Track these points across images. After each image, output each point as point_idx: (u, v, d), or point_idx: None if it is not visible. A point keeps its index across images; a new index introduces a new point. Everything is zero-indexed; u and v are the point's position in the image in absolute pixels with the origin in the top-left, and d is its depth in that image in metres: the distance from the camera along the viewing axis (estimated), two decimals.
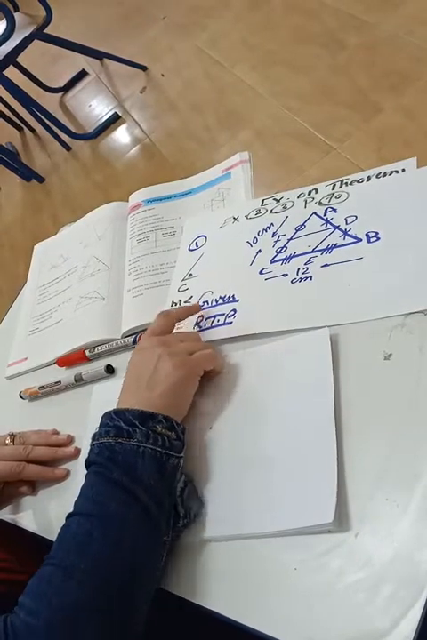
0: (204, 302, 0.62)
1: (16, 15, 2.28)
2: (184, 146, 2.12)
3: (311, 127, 1.77)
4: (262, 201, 0.74)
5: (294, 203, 0.66)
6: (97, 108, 2.71)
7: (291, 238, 0.61)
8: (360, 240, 0.58)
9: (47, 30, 2.32)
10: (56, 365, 0.75)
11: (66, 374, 0.72)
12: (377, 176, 0.67)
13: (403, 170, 0.65)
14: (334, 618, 0.41)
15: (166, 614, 0.51)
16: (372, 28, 1.91)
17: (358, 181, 0.67)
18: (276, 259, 0.60)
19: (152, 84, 2.54)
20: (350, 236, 0.58)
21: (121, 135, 2.46)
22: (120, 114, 2.53)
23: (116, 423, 0.51)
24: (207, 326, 0.61)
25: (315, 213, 0.63)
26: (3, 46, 2.19)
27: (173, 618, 0.54)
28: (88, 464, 0.51)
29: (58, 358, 0.74)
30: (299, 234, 0.61)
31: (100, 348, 0.72)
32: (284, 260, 0.60)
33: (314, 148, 1.70)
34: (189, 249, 0.75)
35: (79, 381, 0.70)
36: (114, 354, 0.71)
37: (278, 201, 0.72)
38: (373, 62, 1.81)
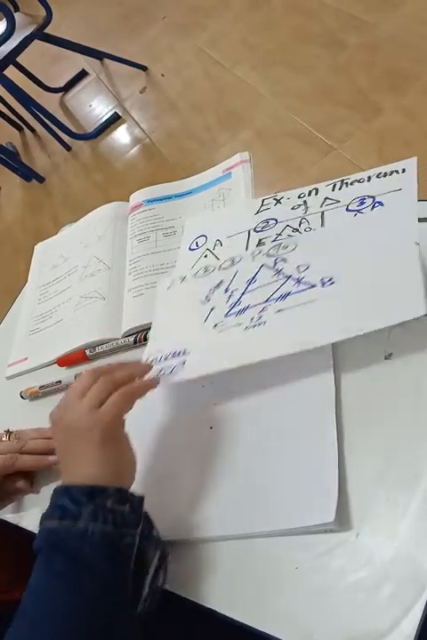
0: (152, 359, 0.59)
1: (16, 15, 2.28)
2: (184, 146, 2.12)
3: (311, 127, 1.77)
4: (263, 201, 0.74)
5: (241, 257, 0.64)
6: (97, 107, 2.71)
7: (244, 292, 0.59)
8: (314, 286, 0.56)
9: (47, 30, 2.32)
10: (56, 365, 0.75)
11: (66, 374, 0.72)
12: (378, 176, 0.67)
13: (403, 170, 0.65)
14: (334, 617, 0.41)
15: (168, 614, 0.51)
16: (372, 28, 1.91)
17: (359, 181, 0.68)
18: (230, 313, 0.58)
19: (152, 83, 2.54)
20: (303, 283, 0.56)
21: (121, 135, 2.46)
22: (120, 114, 2.53)
23: (62, 503, 0.46)
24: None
25: (264, 265, 0.61)
26: (3, 46, 2.19)
27: (174, 617, 0.54)
28: (36, 549, 0.46)
29: (58, 358, 0.75)
30: (251, 287, 0.59)
31: (100, 347, 0.72)
32: (238, 312, 0.58)
33: (314, 148, 1.70)
34: (190, 249, 0.75)
35: None
36: (114, 354, 0.71)
37: (279, 201, 0.72)
38: (373, 62, 1.81)
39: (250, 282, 0.59)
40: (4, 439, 0.65)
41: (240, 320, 0.57)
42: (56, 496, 0.47)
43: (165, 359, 0.58)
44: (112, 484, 0.46)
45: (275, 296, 0.56)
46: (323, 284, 0.55)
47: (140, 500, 0.47)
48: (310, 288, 0.55)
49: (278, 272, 0.58)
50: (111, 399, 0.50)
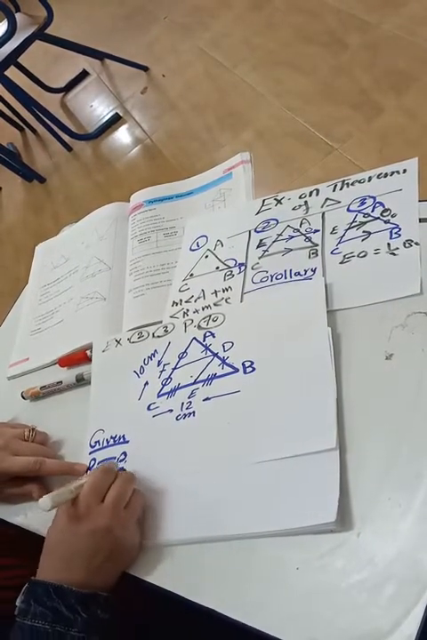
0: (95, 442, 0.61)
1: (17, 16, 2.27)
2: (185, 146, 2.12)
3: (313, 127, 1.77)
4: (263, 201, 0.74)
5: (174, 326, 0.66)
6: (98, 108, 2.71)
7: (175, 367, 0.62)
8: (237, 370, 0.58)
9: (49, 30, 2.32)
10: (58, 365, 0.75)
11: (67, 374, 0.72)
12: (378, 176, 0.67)
13: (404, 170, 0.65)
14: (336, 617, 0.41)
15: (169, 614, 0.51)
16: (373, 27, 1.91)
17: (360, 182, 0.68)
18: (162, 392, 0.61)
19: (153, 84, 2.54)
20: (227, 365, 0.59)
21: (122, 135, 2.46)
22: (121, 114, 2.53)
23: (55, 605, 0.45)
24: None
25: (195, 339, 0.63)
26: (4, 47, 2.19)
27: (175, 618, 0.54)
28: None
29: (59, 358, 0.75)
30: (182, 362, 0.62)
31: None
32: (169, 393, 0.60)
33: (315, 149, 1.70)
34: (191, 249, 0.75)
35: (81, 381, 0.70)
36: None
37: (279, 201, 0.72)
38: (374, 62, 1.81)
39: (181, 356, 0.63)
40: (27, 437, 0.63)
41: (171, 404, 0.59)
42: (46, 595, 0.46)
43: (107, 444, 0.61)
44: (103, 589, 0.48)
45: (202, 377, 0.59)
46: (245, 370, 0.57)
47: (115, 605, 0.48)
48: (233, 372, 0.58)
49: (206, 348, 0.61)
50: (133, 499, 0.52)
